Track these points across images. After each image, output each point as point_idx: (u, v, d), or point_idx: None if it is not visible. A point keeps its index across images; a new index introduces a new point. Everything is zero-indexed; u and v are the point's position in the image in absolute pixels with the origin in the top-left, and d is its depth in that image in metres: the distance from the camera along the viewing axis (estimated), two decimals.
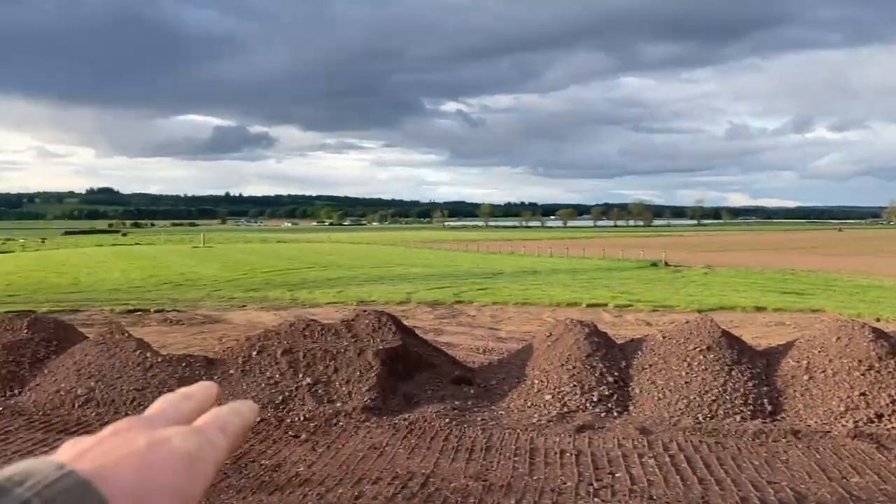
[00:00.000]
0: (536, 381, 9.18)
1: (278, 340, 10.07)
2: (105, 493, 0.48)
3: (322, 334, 10.24)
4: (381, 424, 8.19)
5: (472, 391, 9.42)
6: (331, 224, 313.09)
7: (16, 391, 9.95)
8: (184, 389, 0.63)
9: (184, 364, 9.75)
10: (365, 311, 11.23)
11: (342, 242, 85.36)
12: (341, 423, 8.48)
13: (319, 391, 9.18)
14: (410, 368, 9.88)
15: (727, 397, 8.43)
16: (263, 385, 9.29)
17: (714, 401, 8.39)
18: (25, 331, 11.19)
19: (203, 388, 0.64)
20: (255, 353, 9.81)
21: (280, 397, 9.09)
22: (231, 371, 9.59)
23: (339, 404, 8.90)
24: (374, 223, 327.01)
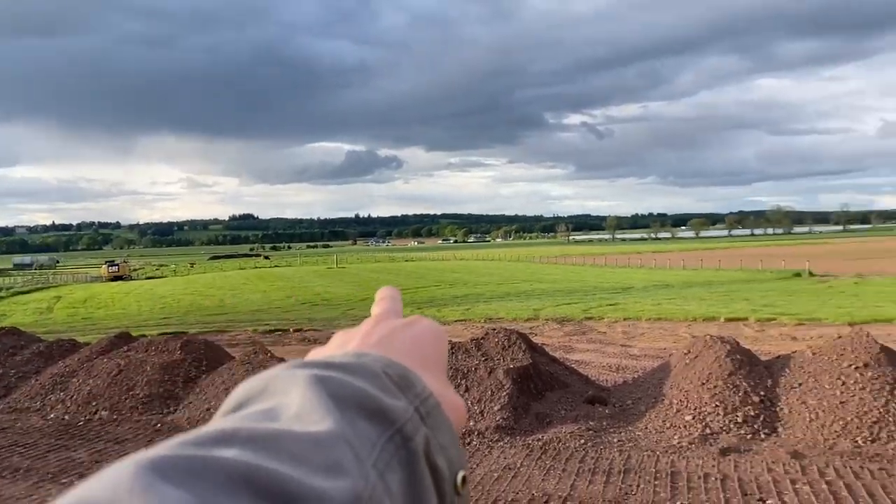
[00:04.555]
0: (675, 401, 8.82)
1: None
2: (403, 363, 0.55)
3: (452, 352, 10.34)
4: (514, 444, 8.13)
5: (606, 411, 9.18)
6: (455, 241, 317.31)
7: (171, 409, 10.71)
8: (392, 294, 0.74)
9: None
10: (494, 329, 11.24)
11: (467, 259, 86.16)
12: (474, 443, 8.51)
13: None
14: (542, 387, 9.78)
15: (890, 419, 7.74)
16: None
17: (875, 423, 7.72)
18: (179, 352, 12.04)
19: (396, 291, 0.75)
20: None
21: None
22: None
23: (470, 423, 8.94)
24: (498, 239, 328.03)
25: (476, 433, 8.65)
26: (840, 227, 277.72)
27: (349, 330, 0.66)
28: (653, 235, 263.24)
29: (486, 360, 10.06)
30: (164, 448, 0.40)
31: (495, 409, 8.94)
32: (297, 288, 39.35)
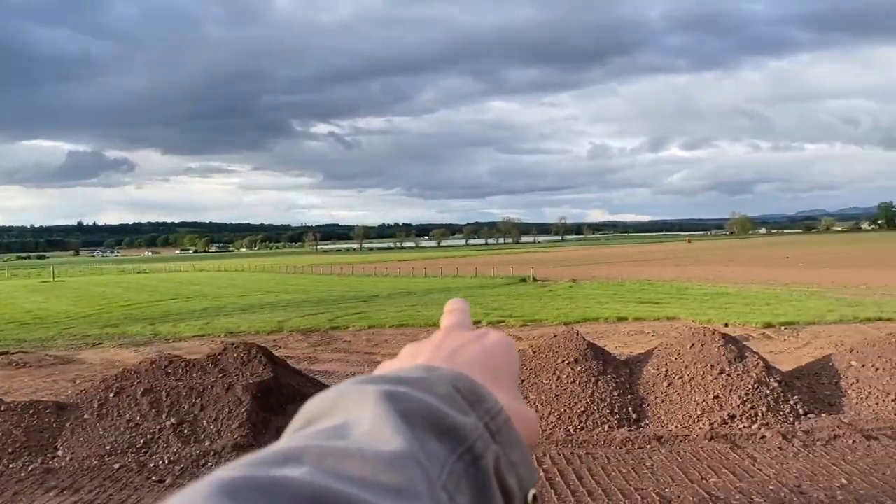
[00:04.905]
0: None
1: (138, 380, 9.47)
2: (473, 377, 0.54)
3: (187, 371, 9.73)
4: None
5: None
6: (195, 251, 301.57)
7: None
8: (462, 306, 0.73)
9: (31, 411, 8.94)
10: (233, 343, 10.79)
11: (208, 270, 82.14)
12: (210, 464, 8.07)
13: (185, 431, 8.70)
14: (283, 401, 9.58)
15: (595, 408, 8.76)
16: (122, 429, 8.69)
17: (583, 412, 8.70)
18: None
19: (465, 303, 0.75)
20: (112, 394, 9.16)
21: (141, 441, 8.53)
22: (86, 416, 8.89)
23: (206, 444, 8.47)
24: (243, 249, 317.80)
25: (212, 453, 8.21)
26: (559, 238, 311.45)
27: (419, 342, 0.65)
28: (398, 244, 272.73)
29: (223, 376, 9.61)
30: (234, 468, 0.40)
31: (233, 426, 8.58)
32: (3, 305, 34.44)
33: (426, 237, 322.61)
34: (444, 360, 0.60)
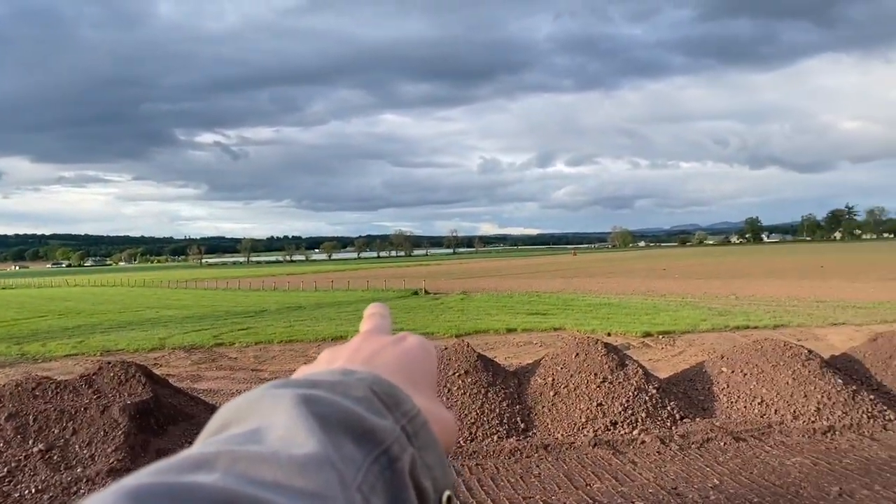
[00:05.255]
0: None
1: (2, 404, 8.78)
2: (391, 380, 0.54)
3: (57, 392, 9.11)
4: None
5: None
6: (69, 265, 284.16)
7: None
8: (381, 311, 0.76)
9: None
10: (109, 362, 10.20)
11: (83, 286, 77.54)
12: (82, 491, 7.58)
13: (55, 457, 8.13)
14: (164, 422, 9.14)
15: (485, 419, 8.89)
16: None
17: (473, 423, 8.80)
18: None
19: (384, 308, 0.76)
20: None
21: (5, 469, 7.90)
22: None
23: (79, 470, 7.95)
24: (122, 263, 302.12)
25: (85, 480, 7.72)
26: (450, 251, 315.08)
27: (337, 347, 0.65)
28: (288, 258, 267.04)
29: (98, 397, 9.07)
30: (143, 475, 0.39)
31: (108, 450, 8.10)
32: None
33: (317, 250, 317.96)
34: (361, 363, 0.61)
